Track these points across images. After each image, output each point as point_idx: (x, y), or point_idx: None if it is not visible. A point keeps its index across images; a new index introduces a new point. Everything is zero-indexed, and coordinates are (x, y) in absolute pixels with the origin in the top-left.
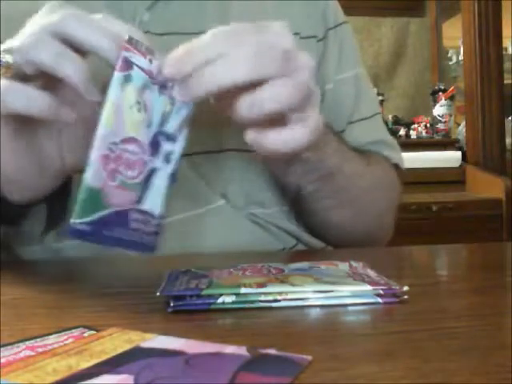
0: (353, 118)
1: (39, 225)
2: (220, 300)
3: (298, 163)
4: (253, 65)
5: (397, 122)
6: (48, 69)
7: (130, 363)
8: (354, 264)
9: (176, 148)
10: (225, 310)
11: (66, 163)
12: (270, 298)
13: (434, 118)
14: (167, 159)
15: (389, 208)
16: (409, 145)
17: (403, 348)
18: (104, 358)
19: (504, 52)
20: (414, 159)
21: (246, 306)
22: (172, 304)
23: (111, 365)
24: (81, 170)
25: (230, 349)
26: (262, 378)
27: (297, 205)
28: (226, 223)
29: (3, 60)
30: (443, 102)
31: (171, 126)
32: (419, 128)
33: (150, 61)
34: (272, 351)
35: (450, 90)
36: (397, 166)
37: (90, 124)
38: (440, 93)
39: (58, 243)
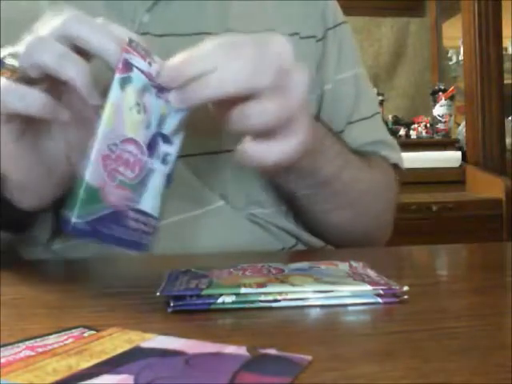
0: (352, 118)
1: (46, 232)
2: (220, 300)
3: (292, 171)
4: (245, 78)
5: (397, 121)
6: (51, 71)
7: (130, 363)
8: (354, 264)
9: (172, 150)
10: (225, 310)
11: (72, 163)
12: (270, 297)
13: (434, 118)
14: (164, 160)
15: (387, 208)
16: (409, 145)
17: (403, 348)
18: (104, 357)
19: (504, 52)
20: (413, 159)
21: (246, 305)
22: (172, 304)
23: (111, 365)
24: None
25: (229, 349)
26: (262, 377)
27: (293, 205)
28: (226, 224)
29: (8, 63)
30: (443, 102)
31: (168, 128)
32: (419, 128)
33: (150, 63)
34: (272, 351)
35: (450, 90)
36: (396, 166)
37: (93, 125)
38: (440, 93)
39: (58, 244)
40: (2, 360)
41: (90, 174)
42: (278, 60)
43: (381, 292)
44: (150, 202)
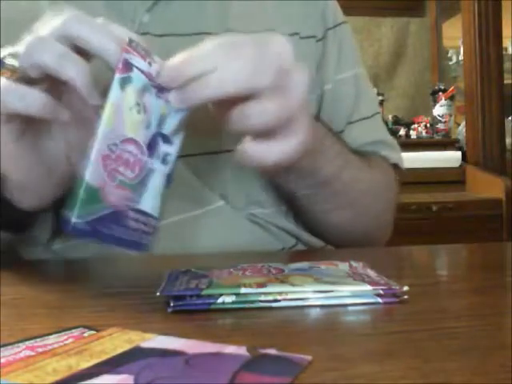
0: (352, 118)
1: (46, 232)
2: (220, 300)
3: (292, 171)
4: (245, 78)
5: (397, 121)
6: (51, 71)
7: (130, 363)
8: (354, 264)
9: (172, 150)
10: (225, 310)
11: (72, 163)
12: (270, 297)
13: (434, 117)
14: (164, 161)
15: (387, 208)
16: (409, 145)
17: (403, 348)
18: (104, 357)
19: (504, 52)
20: (413, 159)
21: (246, 306)
22: (172, 304)
23: (111, 365)
24: None
25: (229, 349)
26: (262, 377)
27: (293, 205)
28: (226, 224)
29: (8, 63)
30: (443, 102)
31: (168, 128)
32: (419, 128)
33: (150, 63)
34: (272, 351)
35: (450, 90)
36: (396, 166)
37: (93, 125)
38: (440, 93)
39: (58, 244)
40: (2, 360)
41: (90, 174)
42: (278, 60)
43: (381, 292)
44: (149, 201)
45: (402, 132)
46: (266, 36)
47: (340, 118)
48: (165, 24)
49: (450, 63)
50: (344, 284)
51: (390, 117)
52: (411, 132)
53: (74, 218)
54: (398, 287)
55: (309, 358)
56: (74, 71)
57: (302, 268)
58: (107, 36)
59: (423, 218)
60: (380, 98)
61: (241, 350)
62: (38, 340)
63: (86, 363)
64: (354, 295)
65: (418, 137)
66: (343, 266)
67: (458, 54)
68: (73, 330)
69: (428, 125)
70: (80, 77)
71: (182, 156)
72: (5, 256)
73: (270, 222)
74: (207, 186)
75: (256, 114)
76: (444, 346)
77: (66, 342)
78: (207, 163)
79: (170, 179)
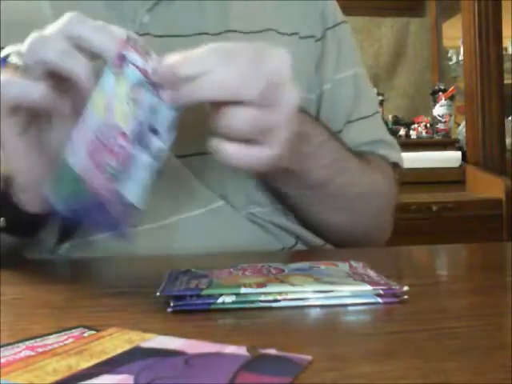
0: (352, 118)
1: (53, 237)
2: (220, 300)
3: (280, 173)
4: (231, 86)
5: (397, 121)
6: (55, 66)
7: (130, 363)
8: (354, 264)
9: (162, 145)
10: (225, 310)
11: None
12: (270, 297)
13: (434, 118)
14: (153, 154)
15: (386, 208)
16: (409, 145)
17: (403, 348)
18: (104, 357)
19: (504, 52)
20: (414, 159)
21: (246, 306)
22: (172, 304)
23: (111, 365)
24: None
25: (229, 349)
26: (262, 377)
27: (287, 204)
28: (226, 223)
29: (10, 61)
30: (443, 102)
31: (160, 124)
32: (419, 128)
33: (146, 61)
34: (272, 351)
35: (450, 90)
36: (396, 165)
37: None
38: (440, 93)
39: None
40: (2, 360)
41: (75, 159)
42: (270, 74)
43: (381, 292)
44: (133, 191)
45: (402, 132)
46: (267, 48)
47: (339, 118)
48: (165, 24)
49: (450, 63)
50: (344, 284)
51: (390, 117)
52: (411, 132)
53: (56, 199)
54: (398, 287)
55: (309, 357)
56: (77, 67)
57: (302, 268)
58: (108, 35)
59: (423, 218)
60: (380, 97)
61: (241, 350)
62: (38, 340)
63: (86, 363)
64: (354, 295)
65: (418, 137)
66: (343, 266)
67: (458, 54)
68: (73, 330)
69: (428, 125)
70: (83, 72)
71: (181, 156)
72: (8, 257)
73: (269, 221)
74: (207, 186)
75: (237, 119)
76: (444, 345)
77: (66, 342)
78: (207, 163)
79: (159, 174)
